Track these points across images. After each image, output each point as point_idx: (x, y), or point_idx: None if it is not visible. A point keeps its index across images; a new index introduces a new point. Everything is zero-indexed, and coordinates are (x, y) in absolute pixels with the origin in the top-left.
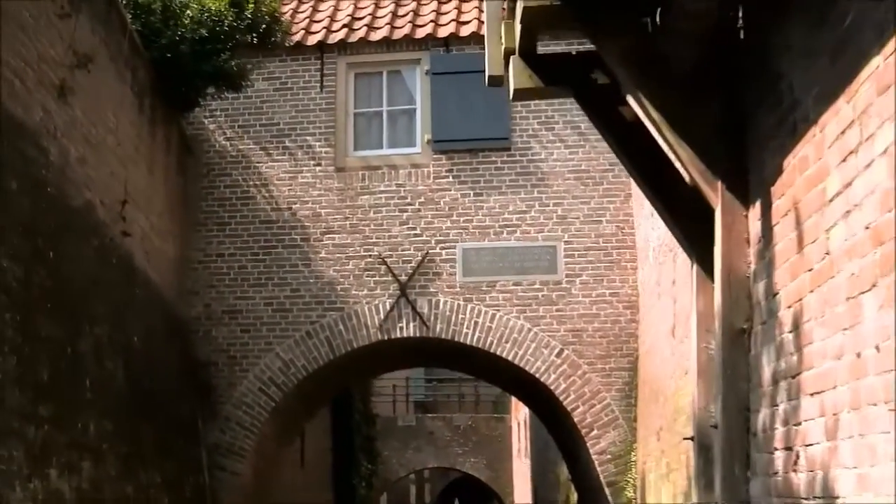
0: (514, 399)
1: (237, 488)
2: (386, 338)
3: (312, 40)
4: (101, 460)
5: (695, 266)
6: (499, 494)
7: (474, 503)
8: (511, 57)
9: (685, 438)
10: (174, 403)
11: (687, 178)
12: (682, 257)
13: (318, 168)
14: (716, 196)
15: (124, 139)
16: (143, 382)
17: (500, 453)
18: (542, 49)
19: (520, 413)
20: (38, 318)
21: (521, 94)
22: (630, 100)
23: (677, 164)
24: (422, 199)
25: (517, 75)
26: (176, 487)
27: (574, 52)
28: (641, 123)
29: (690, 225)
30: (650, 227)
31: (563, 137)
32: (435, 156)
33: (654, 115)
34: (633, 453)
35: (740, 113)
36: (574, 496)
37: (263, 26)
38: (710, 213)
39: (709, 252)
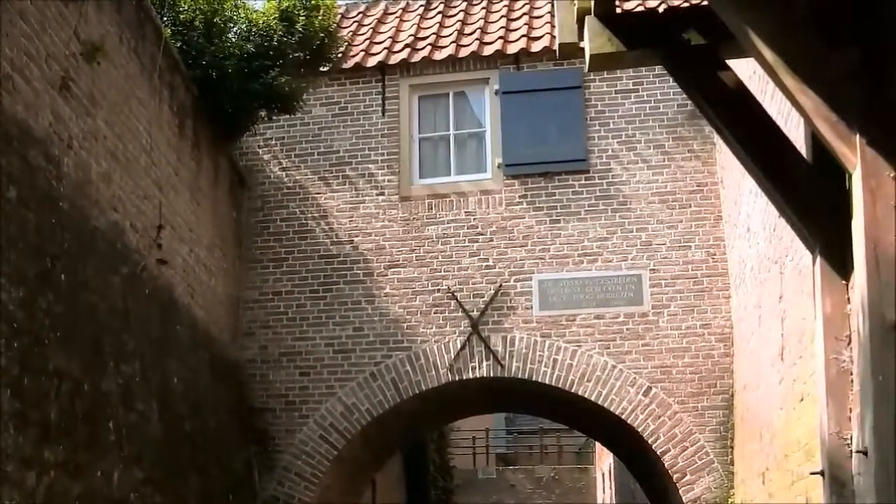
0: (598, 449)
1: None
2: (457, 378)
3: (372, 61)
4: None
5: (818, 261)
6: None
7: None
8: (586, 18)
9: (812, 473)
10: (226, 453)
11: (805, 151)
12: (792, 266)
13: (380, 198)
14: (853, 154)
15: (161, 161)
16: (186, 428)
17: None
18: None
19: (604, 463)
20: (45, 349)
21: (599, 62)
22: (742, 43)
23: (797, 124)
24: (493, 228)
25: (594, 38)
26: None
27: (660, 10)
28: (746, 91)
29: (810, 209)
30: (746, 246)
31: (645, 157)
32: (507, 181)
33: (772, 58)
34: (730, 500)
35: (882, 59)
36: None
37: (317, 42)
38: (836, 192)
39: (836, 240)
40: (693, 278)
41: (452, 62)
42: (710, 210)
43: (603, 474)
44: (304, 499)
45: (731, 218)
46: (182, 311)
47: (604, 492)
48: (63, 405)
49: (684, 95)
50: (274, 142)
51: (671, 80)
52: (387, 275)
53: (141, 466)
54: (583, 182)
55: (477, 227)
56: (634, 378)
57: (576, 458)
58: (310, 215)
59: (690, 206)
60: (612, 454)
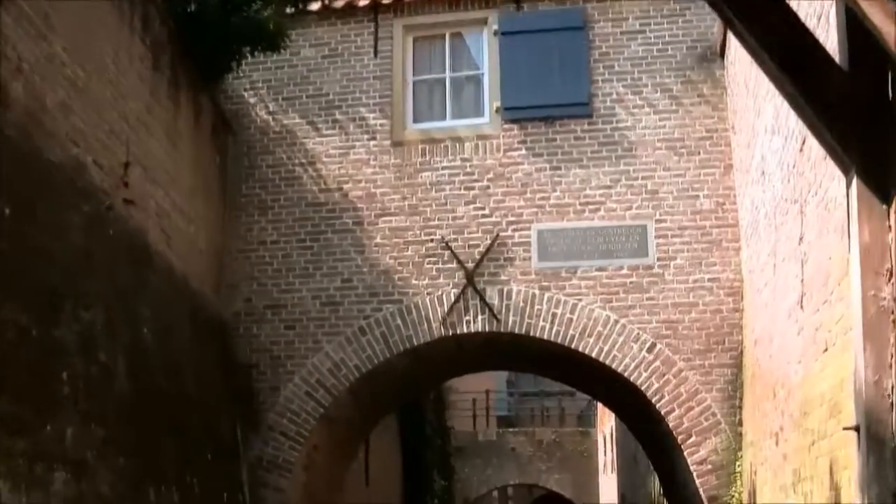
0: (600, 412)
1: None
2: (450, 333)
3: (364, 0)
4: (84, 474)
5: (854, 183)
6: None
7: None
8: None
9: (846, 429)
10: (207, 411)
11: (839, 57)
12: (816, 202)
13: (372, 143)
14: None
15: (130, 95)
16: (160, 385)
17: (586, 469)
18: None
19: (606, 426)
20: None
21: None
22: None
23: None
24: (490, 176)
25: None
26: None
27: None
28: None
29: (845, 122)
30: (760, 191)
31: (652, 102)
32: (505, 126)
33: None
34: (738, 463)
35: None
36: None
37: None
38: (876, 102)
39: (876, 157)
40: (701, 229)
41: (449, 1)
42: (720, 158)
43: (605, 437)
44: (289, 459)
45: (743, 164)
46: (156, 259)
47: (605, 455)
48: (4, 353)
49: (694, 37)
50: (260, 84)
51: (680, 20)
52: (378, 224)
53: (102, 424)
54: (585, 128)
55: (473, 175)
56: (638, 334)
57: (577, 421)
58: (297, 161)
59: (699, 154)
60: (614, 416)
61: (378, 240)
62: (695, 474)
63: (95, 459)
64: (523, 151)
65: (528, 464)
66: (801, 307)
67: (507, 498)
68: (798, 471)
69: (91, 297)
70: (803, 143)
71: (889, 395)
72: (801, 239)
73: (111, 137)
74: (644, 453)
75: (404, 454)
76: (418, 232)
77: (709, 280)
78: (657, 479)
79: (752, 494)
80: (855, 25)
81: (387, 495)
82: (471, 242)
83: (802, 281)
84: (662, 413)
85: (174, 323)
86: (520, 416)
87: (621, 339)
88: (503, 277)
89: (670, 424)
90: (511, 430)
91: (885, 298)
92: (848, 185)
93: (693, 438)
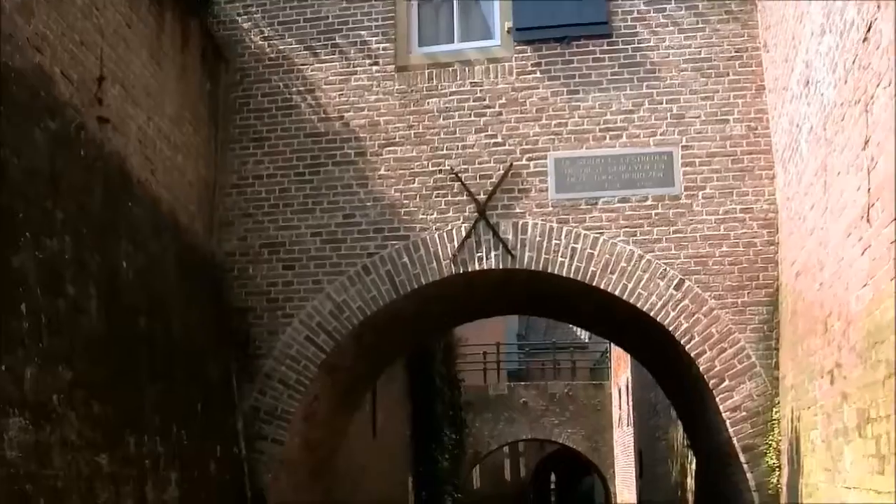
0: (614, 364)
1: (281, 461)
2: (461, 271)
3: None
4: (47, 419)
5: None
6: (598, 467)
7: (572, 478)
8: None
9: None
10: (196, 357)
11: None
12: (887, 97)
13: (374, 68)
14: None
15: (104, 5)
16: (141, 326)
17: (600, 423)
18: None
19: (620, 378)
20: None
21: None
22: None
23: None
24: (503, 101)
25: None
26: (195, 461)
27: None
28: None
29: None
30: (804, 105)
31: (676, 20)
32: (518, 47)
33: None
34: (775, 409)
35: None
36: (692, 465)
37: None
38: None
39: None
40: (732, 156)
41: None
42: (751, 78)
43: (619, 390)
44: (288, 409)
45: (779, 82)
46: (137, 188)
47: (620, 408)
48: None
49: None
50: (254, 8)
51: None
52: (381, 154)
53: (70, 365)
54: (605, 48)
55: (484, 100)
56: (665, 270)
57: (590, 374)
58: (295, 89)
59: (728, 75)
60: (629, 368)
61: (382, 171)
62: (728, 422)
63: (61, 404)
64: (538, 74)
65: (539, 418)
66: (868, 221)
67: (518, 454)
68: (866, 411)
69: (57, 224)
70: (868, 29)
71: None
72: (866, 143)
73: (82, 50)
74: (666, 403)
75: (413, 406)
76: (425, 163)
77: (741, 211)
78: (682, 429)
79: (795, 443)
80: None
81: (395, 449)
82: (482, 173)
83: (869, 190)
84: (692, 356)
85: (159, 259)
86: (530, 371)
87: (646, 275)
88: (518, 210)
89: (701, 368)
90: (522, 383)
91: None
92: None
93: (726, 383)
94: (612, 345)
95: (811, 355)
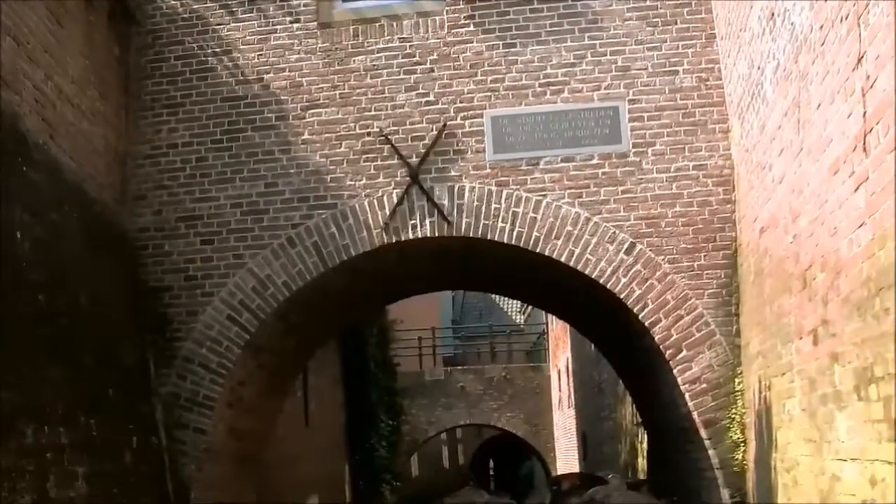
0: (552, 346)
1: (205, 451)
2: (394, 240)
3: None
4: None
5: None
6: (538, 451)
7: (511, 463)
8: None
9: None
10: (108, 339)
11: None
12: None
13: (295, 26)
14: None
15: None
16: (40, 303)
17: (539, 406)
18: None
19: (559, 359)
20: None
21: None
22: None
23: None
24: (434, 57)
25: None
26: (106, 453)
27: None
28: None
29: None
30: (769, 41)
31: None
32: (450, 0)
33: None
34: (737, 380)
35: None
36: (643, 444)
37: None
38: None
39: None
40: (682, 109)
41: None
42: (700, 27)
43: (559, 371)
44: (211, 395)
45: (734, 25)
46: (35, 152)
47: (560, 390)
48: None
49: None
50: None
51: None
52: (305, 118)
53: None
54: None
55: (414, 56)
56: (614, 233)
57: (527, 357)
58: (210, 51)
59: (676, 23)
60: (568, 348)
61: (306, 136)
62: (686, 396)
63: None
64: (471, 28)
65: (478, 403)
66: (865, 150)
67: (456, 440)
68: (867, 370)
69: None
70: None
71: None
72: (859, 60)
73: None
74: (612, 381)
75: (347, 392)
76: (353, 125)
77: (693, 168)
78: (632, 406)
79: (765, 414)
80: None
81: (329, 437)
82: (414, 134)
83: (864, 115)
84: (646, 325)
85: (61, 232)
86: (466, 357)
87: (594, 239)
88: (453, 173)
89: (656, 338)
90: (459, 367)
91: None
92: None
93: (683, 353)
94: (549, 327)
95: (784, 316)
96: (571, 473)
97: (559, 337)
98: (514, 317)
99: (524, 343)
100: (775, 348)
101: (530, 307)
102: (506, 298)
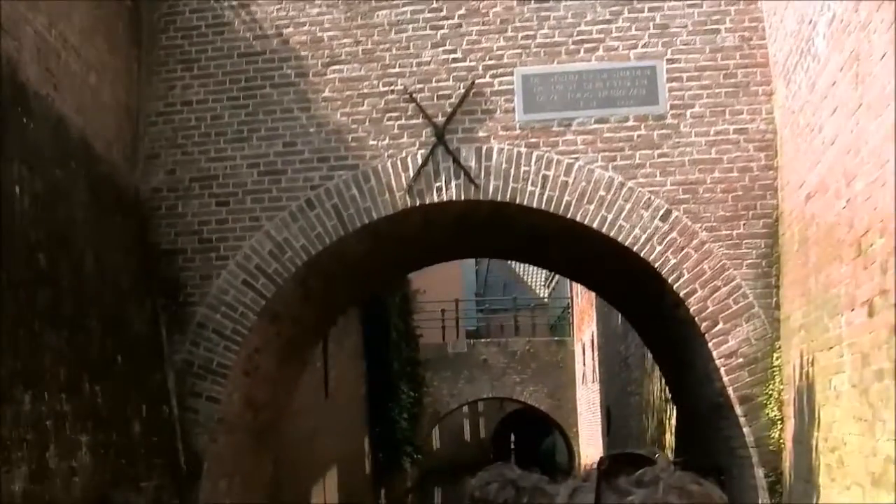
0: (577, 319)
1: (219, 421)
2: (418, 204)
3: None
4: None
5: None
6: (561, 426)
7: (533, 438)
8: None
9: None
10: (114, 304)
11: None
12: None
13: None
14: None
15: None
16: (40, 264)
17: (562, 381)
18: None
19: (584, 333)
20: None
21: None
22: None
23: None
24: (462, 12)
25: None
26: (112, 422)
27: None
28: None
29: None
30: None
31: None
32: None
33: None
34: (776, 355)
35: None
36: (671, 420)
37: None
38: None
39: None
40: (723, 70)
41: None
42: None
43: (583, 345)
44: (225, 363)
45: None
46: (35, 103)
47: (584, 364)
48: None
49: None
50: None
51: None
52: (326, 74)
53: None
54: None
55: (441, 11)
56: (649, 199)
57: (551, 331)
58: (227, 4)
59: None
60: (594, 322)
61: (327, 93)
62: (722, 370)
63: None
64: None
65: (500, 376)
66: None
67: (478, 413)
68: None
69: None
70: None
71: None
72: None
73: None
74: (640, 356)
75: (369, 363)
76: (376, 82)
77: (734, 132)
78: (661, 382)
79: (807, 391)
80: None
81: (349, 408)
82: (440, 93)
83: None
84: (681, 295)
85: (65, 190)
86: (490, 329)
87: (628, 205)
88: (481, 134)
89: (691, 309)
90: (482, 340)
91: None
92: None
93: (719, 326)
94: (573, 300)
95: (833, 287)
96: (615, 453)
97: (584, 310)
98: (538, 290)
99: (548, 317)
100: (821, 321)
101: (555, 281)
102: (530, 271)
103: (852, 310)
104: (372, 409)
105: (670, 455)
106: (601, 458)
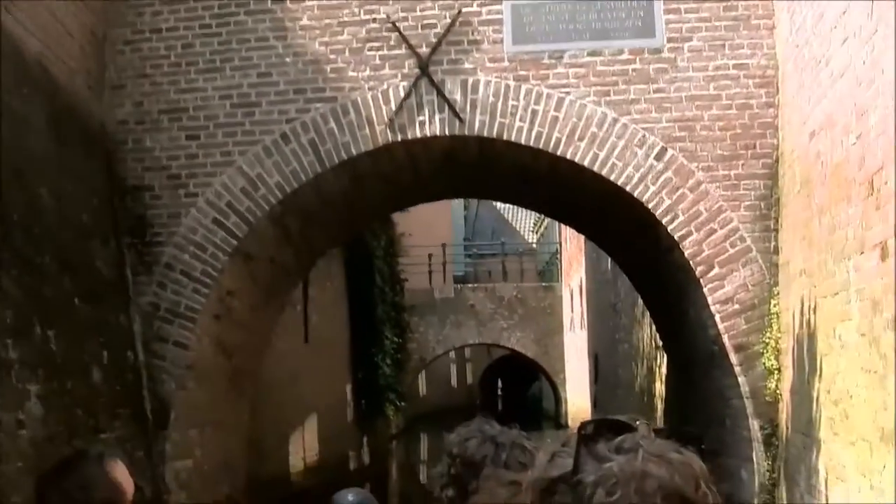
0: (566, 264)
1: (188, 368)
2: (400, 139)
3: None
4: None
5: None
6: (548, 372)
7: (520, 384)
8: None
9: None
10: (73, 243)
11: None
12: None
13: None
14: None
15: None
16: None
17: (550, 327)
18: None
19: (573, 279)
20: None
21: None
22: None
23: None
24: None
25: None
26: (68, 370)
27: None
28: None
29: None
30: None
31: None
32: None
33: None
34: (773, 301)
35: None
36: (661, 368)
37: None
38: None
39: None
40: (724, 2)
41: None
42: None
43: (572, 291)
44: (194, 305)
45: None
46: None
47: (572, 310)
48: None
49: None
50: None
51: None
52: (303, 1)
53: None
54: None
55: None
56: (644, 136)
57: (539, 277)
58: None
59: None
60: (583, 268)
61: (304, 21)
62: (717, 317)
63: None
64: None
65: (488, 322)
66: None
67: (464, 359)
68: None
69: None
70: None
71: None
72: None
73: None
74: (630, 302)
75: (352, 308)
76: (357, 10)
77: (734, 67)
78: (651, 328)
79: (808, 339)
80: None
81: (331, 354)
82: (425, 22)
83: None
84: (676, 238)
85: (24, 121)
86: (477, 275)
87: (622, 142)
88: (467, 66)
89: (686, 253)
90: (470, 285)
91: None
92: None
93: (715, 270)
94: (562, 246)
95: (840, 229)
96: (597, 419)
97: (573, 256)
98: (526, 236)
99: (537, 262)
100: (825, 265)
101: (544, 226)
102: (519, 217)
103: (862, 253)
104: (355, 355)
105: (658, 405)
106: (582, 422)
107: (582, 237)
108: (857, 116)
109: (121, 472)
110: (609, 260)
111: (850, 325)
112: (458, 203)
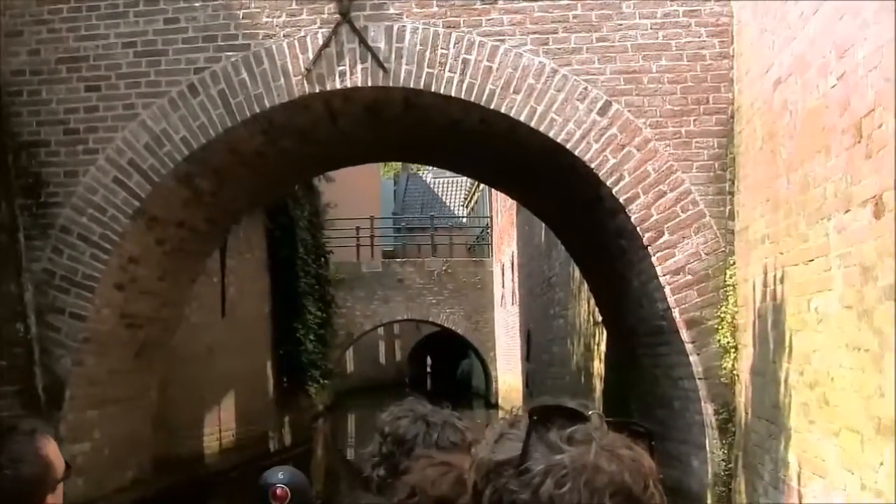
0: (496, 240)
1: (84, 340)
2: (318, 90)
3: None
4: None
5: None
6: (478, 349)
7: (450, 361)
8: None
9: None
10: None
11: None
12: None
13: None
14: None
15: None
16: None
17: (480, 302)
18: None
19: (504, 254)
20: None
21: None
22: None
23: None
24: None
25: None
26: None
27: None
28: None
29: None
30: None
31: None
32: None
33: None
34: (729, 271)
35: None
36: (600, 346)
37: None
38: None
39: None
40: None
41: None
42: None
43: (503, 266)
44: (92, 273)
45: None
46: None
47: (503, 286)
48: None
49: None
50: None
51: None
52: None
53: None
54: None
55: None
56: (586, 88)
57: (469, 252)
58: None
59: None
60: (514, 242)
61: None
62: (667, 289)
63: None
64: None
65: (417, 297)
66: None
67: (393, 335)
68: None
69: None
70: None
71: None
72: None
73: None
74: (565, 276)
75: (273, 280)
76: None
77: (684, 14)
78: (590, 303)
79: (771, 312)
80: None
81: (251, 328)
82: None
83: None
84: (621, 201)
85: None
86: (406, 249)
87: (561, 95)
88: (392, 11)
89: (632, 217)
90: (398, 259)
91: None
92: None
93: (665, 237)
94: (493, 220)
95: (816, 185)
96: (548, 405)
97: (504, 230)
98: (456, 210)
99: (467, 237)
100: (796, 228)
101: (475, 200)
102: (449, 191)
103: (847, 212)
104: (276, 330)
105: (597, 385)
106: (533, 407)
107: (514, 211)
108: (839, 54)
109: (52, 450)
110: (543, 233)
111: (831, 296)
112: (387, 177)
